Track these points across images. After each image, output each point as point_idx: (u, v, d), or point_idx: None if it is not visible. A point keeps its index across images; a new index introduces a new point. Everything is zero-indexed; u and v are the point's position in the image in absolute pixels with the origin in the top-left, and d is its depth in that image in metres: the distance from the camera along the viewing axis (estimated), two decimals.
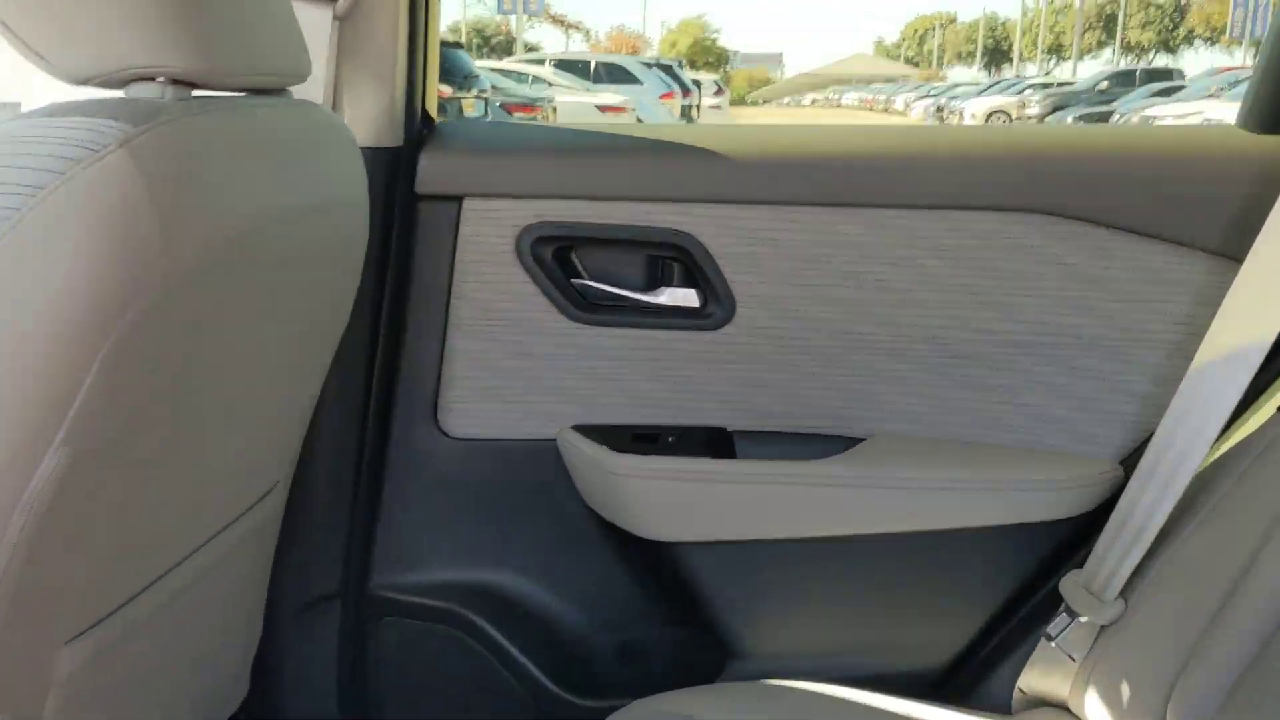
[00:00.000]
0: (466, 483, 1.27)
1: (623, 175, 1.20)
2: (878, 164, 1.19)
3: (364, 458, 1.23)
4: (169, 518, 0.82)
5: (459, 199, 1.21)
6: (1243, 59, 35.99)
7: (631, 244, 1.22)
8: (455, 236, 1.21)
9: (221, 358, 0.78)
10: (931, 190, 1.18)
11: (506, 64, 17.11)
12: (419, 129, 1.22)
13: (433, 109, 1.27)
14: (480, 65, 13.65)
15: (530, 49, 34.29)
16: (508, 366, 1.24)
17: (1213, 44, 53.25)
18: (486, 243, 1.21)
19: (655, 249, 1.23)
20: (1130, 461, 1.18)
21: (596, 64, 17.29)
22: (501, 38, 46.78)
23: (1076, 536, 1.20)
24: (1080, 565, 1.09)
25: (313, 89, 1.11)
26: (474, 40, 44.87)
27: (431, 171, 1.20)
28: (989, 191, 1.18)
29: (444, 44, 11.55)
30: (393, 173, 1.18)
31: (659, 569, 1.26)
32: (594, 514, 1.27)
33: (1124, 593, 1.03)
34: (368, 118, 1.15)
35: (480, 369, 1.24)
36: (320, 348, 1.02)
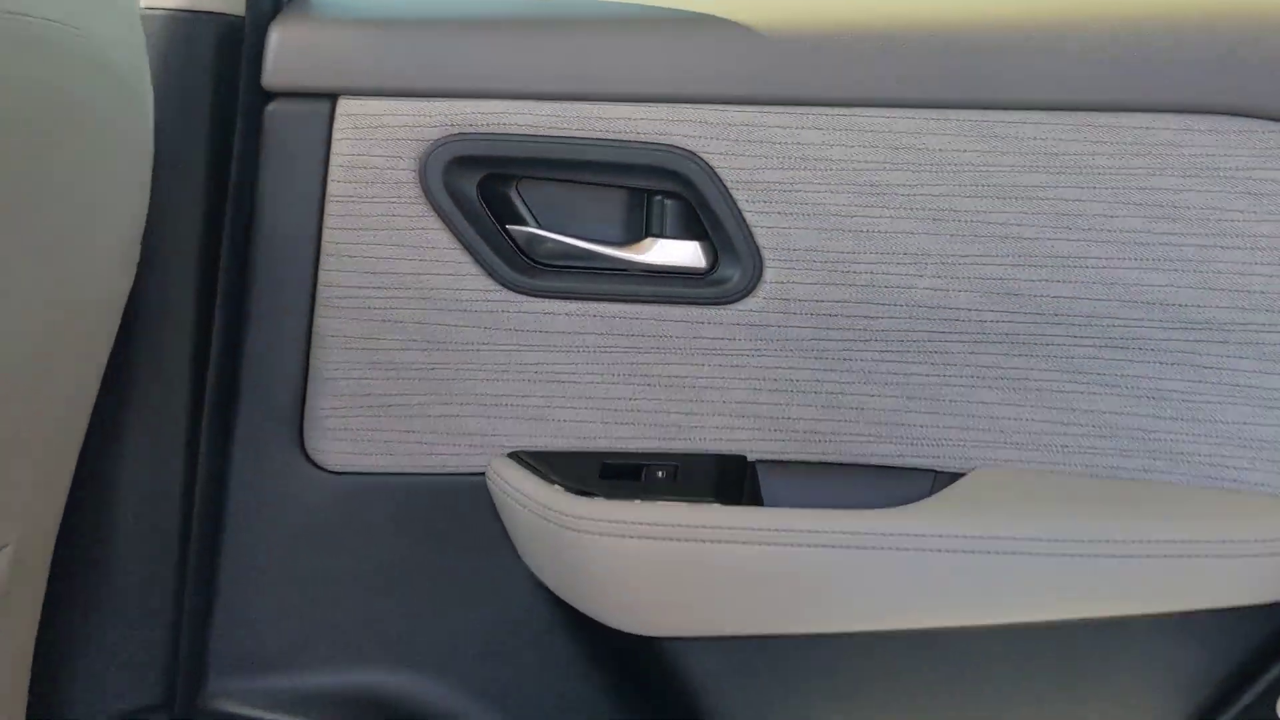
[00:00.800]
0: (348, 540, 1.10)
1: (589, 62, 1.01)
2: (983, 40, 0.99)
3: (194, 503, 1.07)
4: None
5: (331, 98, 1.02)
6: None
7: (603, 169, 1.04)
8: (326, 157, 1.03)
9: None
10: (1071, 81, 0.98)
11: None
12: None
13: None
14: None
15: None
16: (409, 361, 1.06)
17: None
18: (375, 167, 1.03)
19: (639, 177, 1.04)
20: None
21: None
22: None
23: None
24: None
25: None
26: None
27: (289, 55, 1.02)
28: (1163, 82, 0.98)
29: None
30: (228, 56, 1.01)
31: (641, 674, 1.09)
32: (543, 588, 1.09)
33: None
34: None
35: (366, 366, 1.06)
36: (69, 318, 0.83)
